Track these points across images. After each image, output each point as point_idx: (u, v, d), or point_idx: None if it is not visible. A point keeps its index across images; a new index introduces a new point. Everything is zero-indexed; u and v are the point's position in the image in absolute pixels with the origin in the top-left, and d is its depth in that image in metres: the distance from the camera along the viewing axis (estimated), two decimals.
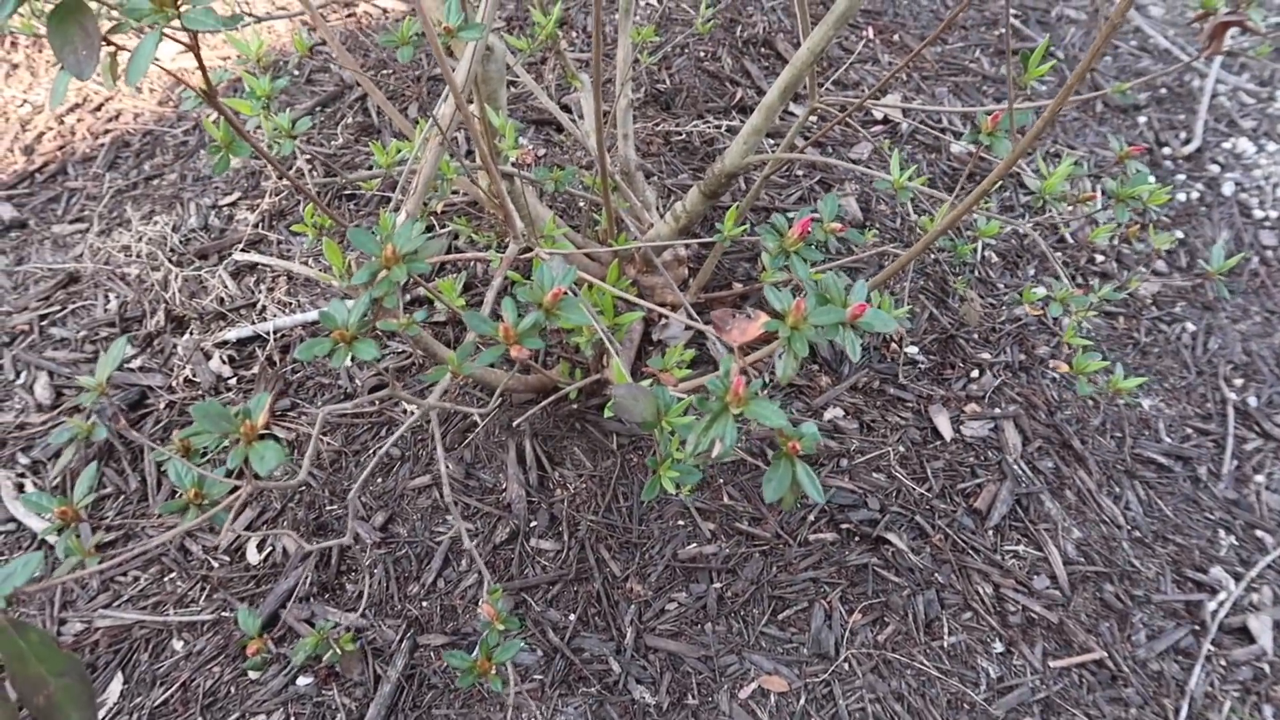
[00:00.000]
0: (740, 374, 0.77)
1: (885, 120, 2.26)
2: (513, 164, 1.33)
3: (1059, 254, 2.02)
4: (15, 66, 2.32)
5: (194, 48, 0.74)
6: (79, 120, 2.17)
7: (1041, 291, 1.24)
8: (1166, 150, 2.37)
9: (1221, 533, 1.61)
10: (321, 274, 1.36)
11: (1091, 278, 1.98)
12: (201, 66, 0.76)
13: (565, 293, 0.75)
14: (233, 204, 1.93)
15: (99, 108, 2.19)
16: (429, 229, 1.84)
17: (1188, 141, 2.40)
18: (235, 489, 0.77)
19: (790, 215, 1.82)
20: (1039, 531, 1.54)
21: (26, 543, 1.49)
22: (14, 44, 2.36)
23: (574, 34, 2.33)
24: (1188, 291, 2.02)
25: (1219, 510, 1.64)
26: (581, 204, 1.82)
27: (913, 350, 1.75)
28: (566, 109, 2.12)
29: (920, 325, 1.78)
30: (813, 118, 2.13)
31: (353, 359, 0.75)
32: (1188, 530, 1.60)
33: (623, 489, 1.51)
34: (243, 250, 1.79)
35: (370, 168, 1.92)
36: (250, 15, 1.21)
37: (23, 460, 1.59)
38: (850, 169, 1.21)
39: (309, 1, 1.15)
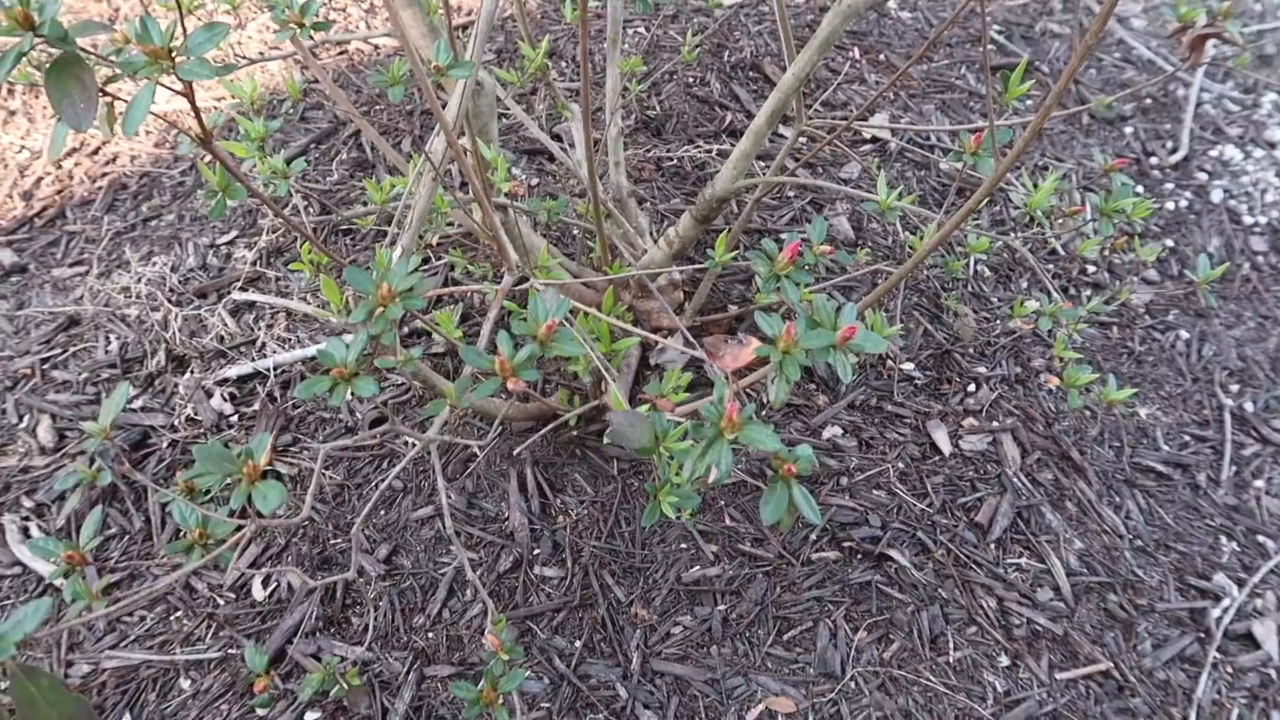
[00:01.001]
0: (734, 399, 0.78)
1: (874, 139, 2.29)
2: (506, 195, 1.34)
3: (1050, 266, 2.03)
4: (12, 113, 2.35)
5: (189, 96, 0.76)
6: (77, 164, 2.19)
7: (1033, 305, 1.25)
8: (1154, 160, 2.39)
9: (1223, 539, 1.62)
10: (319, 311, 1.38)
11: (1084, 288, 2.00)
12: (196, 113, 0.77)
13: (560, 324, 0.76)
14: (230, 242, 1.94)
15: (96, 151, 2.22)
16: (425, 262, 1.86)
17: (1175, 150, 2.42)
18: (239, 528, 0.78)
19: (782, 237, 1.84)
20: (1041, 544, 1.54)
21: (32, 586, 1.50)
22: (10, 91, 2.39)
23: (563, 64, 2.36)
24: (1180, 299, 2.03)
25: (1220, 517, 1.64)
26: (576, 231, 1.84)
27: (909, 367, 1.76)
28: (558, 138, 2.14)
29: (915, 341, 1.80)
30: (801, 139, 2.15)
31: (352, 395, 0.76)
32: (1189, 538, 1.61)
33: (625, 514, 1.51)
34: (241, 289, 1.80)
35: (365, 204, 1.94)
36: (244, 58, 1.23)
37: (27, 504, 1.60)
38: (839, 190, 1.23)
39: (300, 43, 1.17)
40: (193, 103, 0.76)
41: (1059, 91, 0.80)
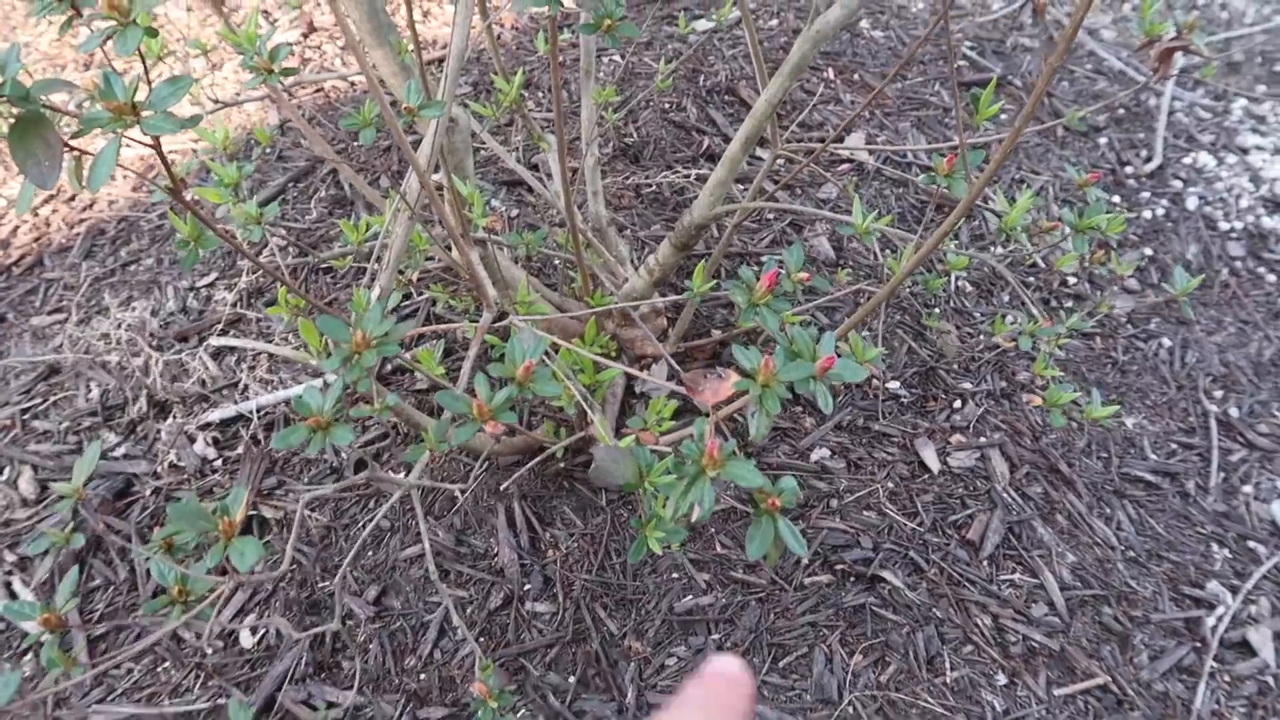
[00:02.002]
0: (715, 435, 0.77)
1: (851, 159, 2.30)
2: (484, 230, 1.34)
3: (1031, 279, 2.04)
4: None
5: (156, 148, 0.76)
6: (54, 211, 2.18)
7: (1013, 320, 1.25)
8: (1129, 169, 2.41)
9: (1214, 546, 1.62)
10: (300, 354, 1.37)
11: (1065, 299, 2.01)
12: (165, 165, 0.77)
13: (538, 365, 0.75)
14: (210, 285, 1.93)
15: (73, 198, 2.21)
16: (406, 297, 1.85)
17: (1149, 159, 2.44)
18: (219, 583, 0.77)
19: (762, 260, 1.84)
20: (1033, 559, 1.54)
21: (17, 642, 1.47)
22: None
23: (539, 94, 2.37)
24: (1161, 307, 2.04)
25: (1210, 524, 1.64)
26: (557, 262, 1.84)
27: (894, 385, 1.76)
28: (535, 169, 2.14)
29: (900, 359, 1.80)
30: (778, 162, 2.16)
31: (330, 444, 0.75)
32: (1181, 546, 1.61)
33: (615, 545, 1.50)
34: (221, 333, 1.79)
35: (344, 244, 1.94)
36: (218, 101, 1.23)
37: (10, 557, 1.57)
38: (816, 214, 1.23)
39: (273, 87, 1.17)
40: (161, 154, 0.76)
41: (1029, 111, 0.80)
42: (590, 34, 0.96)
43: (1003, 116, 2.47)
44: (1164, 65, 1.27)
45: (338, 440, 0.75)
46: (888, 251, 1.95)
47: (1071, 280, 2.05)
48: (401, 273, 1.58)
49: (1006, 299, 1.98)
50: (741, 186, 2.14)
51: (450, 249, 1.51)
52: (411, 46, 1.24)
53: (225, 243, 0.87)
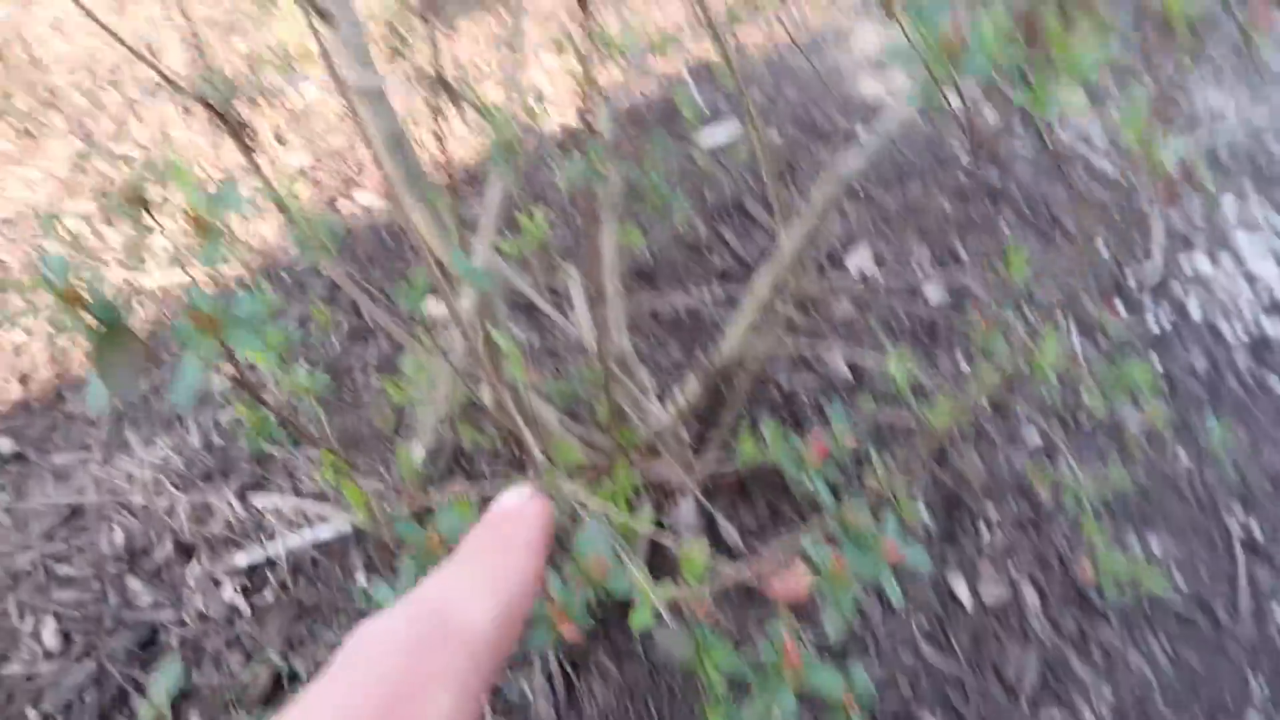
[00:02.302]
0: (791, 637, 0.78)
1: (861, 275, 2.34)
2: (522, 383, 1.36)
3: (1045, 393, 2.07)
4: (4, 290, 2.36)
5: (238, 377, 0.77)
6: (73, 344, 2.19)
7: (1036, 446, 1.27)
8: (1129, 273, 2.46)
9: (1250, 675, 1.61)
10: (336, 512, 1.37)
11: (1079, 411, 2.03)
12: (247, 386, 0.78)
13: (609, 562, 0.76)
14: (235, 420, 1.94)
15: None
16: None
17: (1148, 263, 2.49)
18: None
19: (780, 385, 1.84)
20: (1072, 696, 1.53)
21: None
22: (2, 265, 2.40)
23: (553, 214, 2.41)
24: (1175, 421, 2.07)
25: (1244, 653, 1.64)
26: (581, 392, 1.85)
27: (921, 514, 1.77)
28: (554, 292, 2.17)
29: (925, 487, 1.81)
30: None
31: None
32: (1216, 678, 1.60)
33: (651, 698, 1.49)
34: (253, 488, 1.79)
35: (377, 380, 1.95)
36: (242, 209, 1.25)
37: (33, 715, 1.55)
38: (840, 377, 1.26)
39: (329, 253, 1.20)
40: (243, 380, 0.77)
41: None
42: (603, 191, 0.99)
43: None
44: (1169, 195, 1.31)
45: None
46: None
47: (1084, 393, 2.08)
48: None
49: (1023, 414, 2.00)
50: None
51: (481, 393, 1.53)
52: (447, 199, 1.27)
53: (286, 426, 0.88)
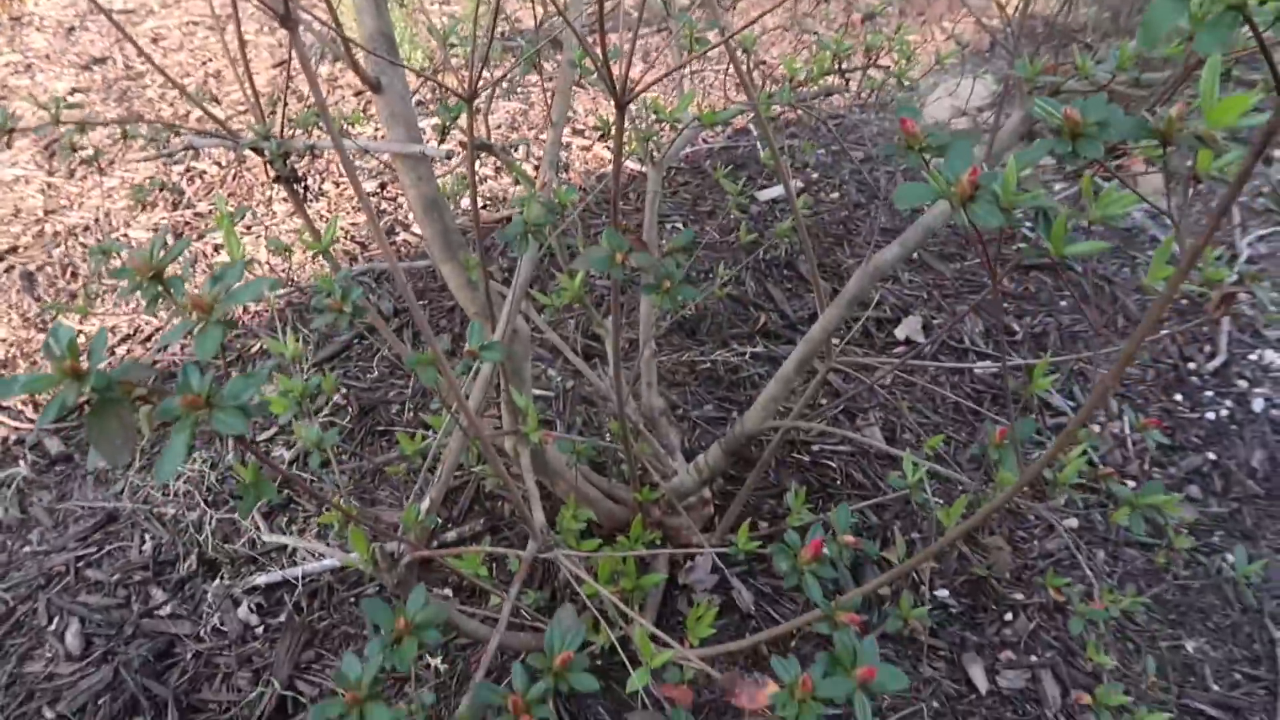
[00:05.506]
0: None
1: (908, 341, 2.31)
2: (537, 442, 1.36)
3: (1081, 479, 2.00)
4: (73, 295, 2.46)
5: (244, 446, 0.79)
6: (129, 351, 2.28)
7: (1064, 578, 1.23)
8: (1192, 364, 2.38)
9: None
10: (347, 559, 1.39)
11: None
12: (256, 453, 0.80)
13: (574, 656, 0.76)
14: (270, 439, 1.98)
15: (149, 338, 2.30)
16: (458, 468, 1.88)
17: (1213, 356, 2.41)
18: None
19: (814, 448, 1.82)
20: None
21: None
22: (74, 275, 2.51)
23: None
24: (1225, 519, 1.98)
25: None
26: (606, 441, 1.85)
27: (943, 594, 1.72)
28: (596, 339, 2.19)
29: (950, 566, 1.76)
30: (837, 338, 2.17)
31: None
32: None
33: None
34: (265, 520, 1.82)
35: (401, 410, 1.98)
36: (290, 283, 1.28)
37: (49, 715, 1.59)
38: (862, 442, 1.23)
39: (382, 238, 1.22)
40: (251, 447, 0.79)
41: (1100, 396, 0.80)
42: (650, 294, 0.99)
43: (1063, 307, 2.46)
44: (1224, 305, 1.26)
45: (373, 718, 0.75)
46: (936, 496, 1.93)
47: (1129, 483, 2.01)
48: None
49: (1063, 503, 1.94)
50: None
51: (500, 448, 1.54)
52: (477, 265, 1.29)
53: (288, 483, 0.89)
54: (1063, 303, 2.48)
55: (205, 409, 0.70)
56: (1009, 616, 1.71)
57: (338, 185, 2.78)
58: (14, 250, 2.57)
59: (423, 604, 0.74)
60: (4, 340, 2.30)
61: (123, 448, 0.73)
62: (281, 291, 2.32)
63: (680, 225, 2.58)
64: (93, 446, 0.71)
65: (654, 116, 1.49)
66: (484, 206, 2.71)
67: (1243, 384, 2.34)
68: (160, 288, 0.79)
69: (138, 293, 0.78)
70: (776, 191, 2.76)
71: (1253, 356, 2.44)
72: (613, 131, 0.94)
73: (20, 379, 0.68)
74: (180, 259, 2.48)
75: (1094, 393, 0.76)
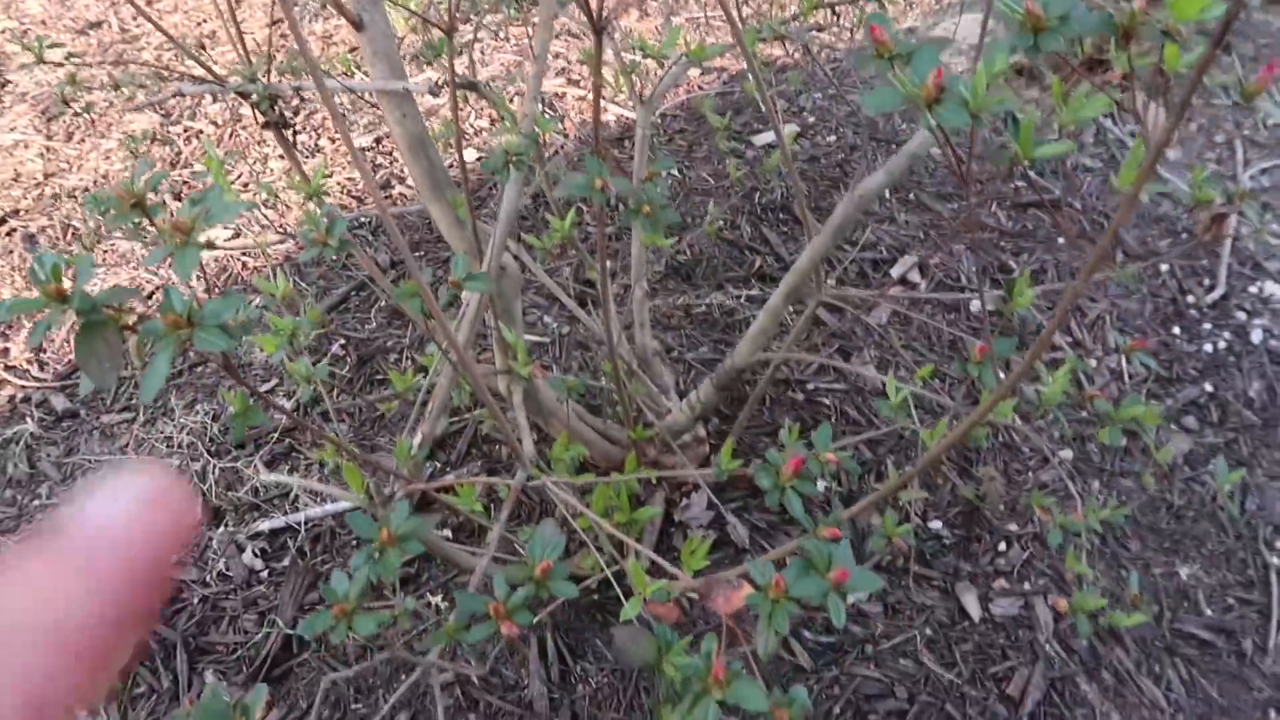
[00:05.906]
0: (728, 645, 0.78)
1: (904, 280, 2.31)
2: (526, 378, 1.38)
3: (1076, 410, 2.01)
4: (70, 249, 2.48)
5: (229, 369, 0.80)
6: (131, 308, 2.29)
7: (1050, 496, 1.24)
8: (1191, 298, 2.37)
9: (1272, 713, 1.55)
10: (343, 494, 1.41)
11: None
12: (235, 374, 0.81)
13: (554, 564, 0.77)
14: (270, 391, 2.01)
15: (150, 295, 2.32)
16: (455, 412, 1.90)
17: (1212, 288, 2.40)
18: None
19: (809, 387, 1.83)
20: (1076, 717, 1.49)
21: None
22: (75, 234, 2.53)
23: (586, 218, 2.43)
24: (1221, 448, 1.99)
25: (1267, 688, 1.58)
26: (601, 384, 1.87)
27: (937, 525, 1.74)
28: (589, 284, 2.19)
29: (943, 498, 1.78)
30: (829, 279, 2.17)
31: (350, 630, 0.78)
32: (1235, 711, 1.54)
33: (644, 683, 1.50)
34: (267, 468, 1.85)
35: (399, 358, 2.00)
36: (281, 230, 1.30)
37: None
38: (856, 371, 1.24)
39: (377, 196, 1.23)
40: (231, 369, 0.81)
41: (1088, 273, 0.80)
42: (634, 219, 1.00)
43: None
44: (1216, 228, 1.26)
45: (360, 629, 0.77)
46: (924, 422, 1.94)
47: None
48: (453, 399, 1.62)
49: (1058, 435, 1.95)
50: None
51: (497, 381, 1.55)
52: (464, 203, 1.29)
53: (281, 413, 0.91)
54: (1060, 240, 2.47)
55: (188, 328, 0.72)
56: (1002, 546, 1.73)
57: (333, 141, 2.78)
58: (15, 213, 2.58)
59: (405, 518, 0.76)
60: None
61: (110, 369, 0.74)
62: (280, 245, 2.34)
63: (676, 171, 2.57)
64: (82, 370, 0.73)
65: (641, 53, 1.48)
66: (480, 159, 2.71)
67: (1241, 316, 2.33)
68: (142, 217, 0.80)
69: (121, 225, 0.79)
70: (771, 136, 2.75)
71: (1252, 289, 2.43)
72: (593, 60, 0.94)
73: (6, 302, 0.70)
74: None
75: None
